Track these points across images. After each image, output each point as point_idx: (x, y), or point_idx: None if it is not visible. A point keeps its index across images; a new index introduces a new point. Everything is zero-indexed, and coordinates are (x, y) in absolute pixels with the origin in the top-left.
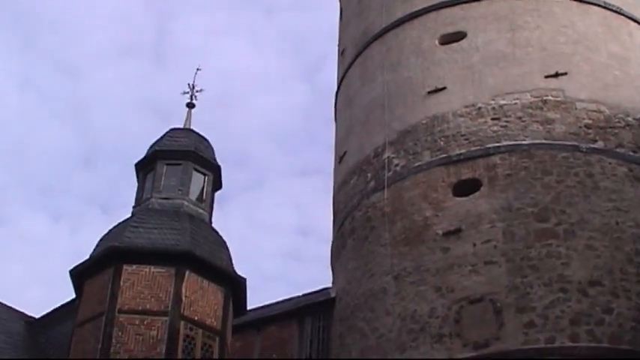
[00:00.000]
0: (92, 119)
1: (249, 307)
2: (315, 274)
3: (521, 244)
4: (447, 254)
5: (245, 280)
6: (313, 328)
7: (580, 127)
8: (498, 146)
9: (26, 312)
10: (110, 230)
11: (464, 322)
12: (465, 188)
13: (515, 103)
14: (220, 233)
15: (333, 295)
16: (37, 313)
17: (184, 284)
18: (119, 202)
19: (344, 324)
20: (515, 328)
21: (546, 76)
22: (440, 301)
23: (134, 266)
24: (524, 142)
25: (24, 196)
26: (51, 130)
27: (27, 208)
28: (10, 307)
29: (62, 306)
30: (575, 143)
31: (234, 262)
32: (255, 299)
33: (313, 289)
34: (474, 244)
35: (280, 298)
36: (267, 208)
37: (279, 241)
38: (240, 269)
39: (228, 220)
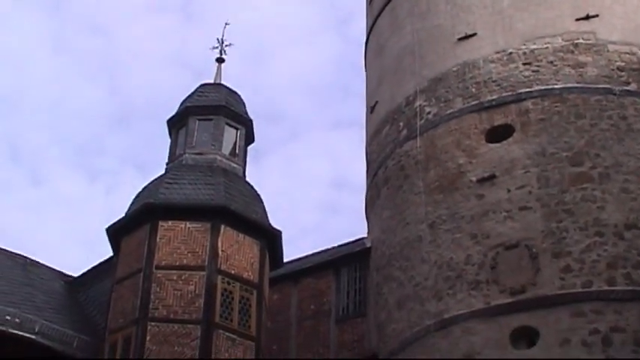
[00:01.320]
0: (124, 78)
1: (285, 260)
2: (351, 226)
3: (556, 188)
4: (481, 201)
5: (280, 232)
6: (350, 279)
7: (612, 69)
8: (530, 91)
9: (65, 271)
10: (145, 187)
11: (500, 269)
12: (498, 134)
13: (547, 48)
14: (255, 187)
15: (368, 245)
16: (75, 273)
17: (220, 239)
18: (154, 159)
19: (380, 273)
20: (552, 273)
21: (577, 19)
22: (475, 248)
23: (170, 222)
24: (556, 87)
25: (60, 157)
26: (84, 90)
27: (63, 168)
28: (49, 267)
29: (100, 264)
30: (608, 86)
31: (270, 215)
32: (292, 252)
33: (349, 240)
34: (509, 190)
35: (316, 250)
36: (302, 161)
37: (314, 193)
38: (276, 222)
39: (263, 174)
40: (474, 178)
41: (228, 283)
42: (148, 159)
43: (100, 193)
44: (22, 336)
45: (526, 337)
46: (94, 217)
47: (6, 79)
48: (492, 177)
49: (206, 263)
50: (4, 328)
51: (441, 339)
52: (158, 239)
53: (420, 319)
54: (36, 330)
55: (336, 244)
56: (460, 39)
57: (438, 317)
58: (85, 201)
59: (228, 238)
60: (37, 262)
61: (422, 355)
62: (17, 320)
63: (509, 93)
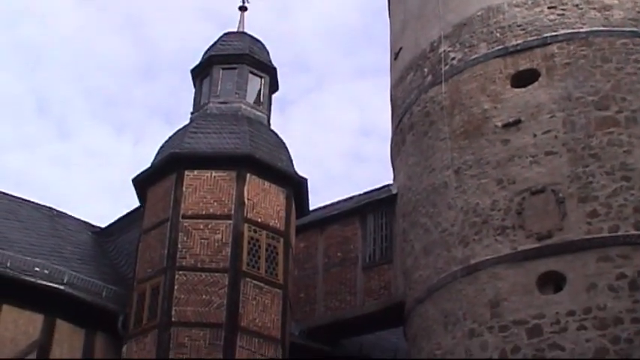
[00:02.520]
0: (149, 29)
1: (312, 208)
2: (378, 174)
3: (582, 133)
4: (507, 146)
5: (306, 180)
6: (376, 226)
7: (639, 12)
8: (556, 35)
9: (92, 222)
10: (170, 137)
11: (526, 214)
12: (523, 79)
13: None
14: (280, 135)
15: (394, 191)
16: (103, 223)
17: (246, 187)
18: (181, 110)
19: (406, 220)
20: (578, 218)
21: None
22: (501, 194)
23: (195, 172)
24: (582, 30)
25: (87, 110)
26: (110, 42)
27: (91, 121)
28: (77, 218)
29: (127, 214)
30: (635, 29)
31: (298, 164)
32: (319, 201)
33: (375, 187)
34: (534, 135)
35: (342, 197)
36: (328, 109)
37: (340, 141)
38: (302, 171)
39: (290, 123)
40: (499, 124)
41: (255, 232)
42: (174, 110)
43: (127, 144)
44: (50, 287)
45: (553, 282)
46: (121, 169)
47: (31, 32)
48: (518, 122)
49: (232, 212)
50: (32, 279)
51: (468, 285)
52: (184, 189)
53: (447, 265)
54: (64, 281)
55: (362, 192)
56: None
57: (465, 263)
58: (113, 153)
59: (254, 187)
60: (65, 214)
61: (449, 302)
62: (46, 271)
63: (535, 37)
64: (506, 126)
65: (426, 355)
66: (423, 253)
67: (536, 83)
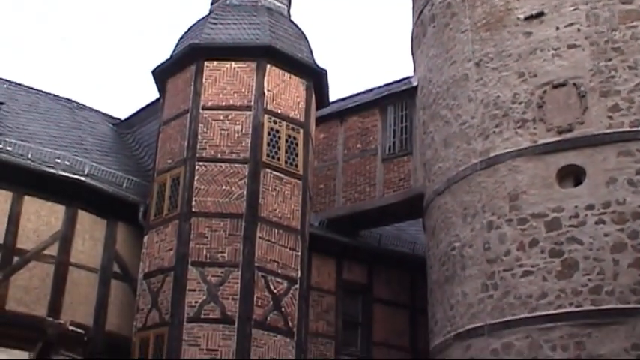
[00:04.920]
0: None
1: (332, 99)
2: (399, 66)
3: (605, 26)
4: (529, 39)
5: (326, 71)
6: (396, 117)
7: None
8: None
9: (112, 114)
10: (189, 28)
11: (547, 107)
12: None
13: None
14: (300, 27)
15: (414, 83)
16: (122, 115)
17: (266, 78)
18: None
19: (426, 112)
20: (600, 111)
21: None
22: (523, 87)
23: (215, 63)
24: None
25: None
26: None
27: (110, 13)
28: (97, 110)
29: (147, 106)
30: None
31: (318, 56)
32: (339, 93)
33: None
34: (557, 28)
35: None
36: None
37: (362, 34)
38: (324, 63)
39: (312, 14)
40: (521, 16)
41: (275, 122)
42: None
43: (147, 35)
44: (72, 178)
45: (572, 175)
46: (142, 62)
47: None
48: (540, 14)
49: (252, 103)
50: (54, 171)
51: (487, 177)
52: (204, 80)
53: (467, 158)
54: (86, 172)
55: (382, 84)
56: None
57: (485, 156)
58: (132, 44)
59: (274, 78)
60: (84, 105)
61: (468, 194)
62: (67, 163)
63: None
64: (529, 18)
65: (444, 246)
66: (442, 145)
67: None
